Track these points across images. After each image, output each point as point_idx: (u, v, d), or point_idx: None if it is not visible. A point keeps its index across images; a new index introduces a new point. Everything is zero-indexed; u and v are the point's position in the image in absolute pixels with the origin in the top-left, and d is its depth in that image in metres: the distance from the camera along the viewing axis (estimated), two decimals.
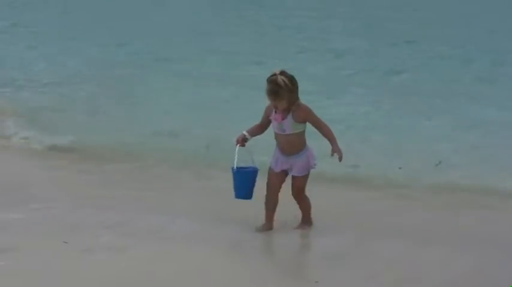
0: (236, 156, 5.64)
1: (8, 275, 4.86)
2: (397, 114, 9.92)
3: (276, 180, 5.78)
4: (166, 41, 15.38)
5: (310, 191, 5.86)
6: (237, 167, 5.66)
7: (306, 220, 5.91)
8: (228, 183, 5.81)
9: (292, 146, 5.68)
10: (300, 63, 12.06)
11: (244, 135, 5.76)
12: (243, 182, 5.68)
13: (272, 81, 5.51)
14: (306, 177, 5.77)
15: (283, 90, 5.47)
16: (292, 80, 5.54)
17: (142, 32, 16.53)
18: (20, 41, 15.58)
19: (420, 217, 6.39)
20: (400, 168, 7.46)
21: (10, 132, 9.08)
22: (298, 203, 5.88)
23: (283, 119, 5.60)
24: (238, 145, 5.70)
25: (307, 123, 5.68)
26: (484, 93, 11.09)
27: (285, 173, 5.79)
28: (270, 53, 13.68)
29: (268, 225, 5.83)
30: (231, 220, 5.59)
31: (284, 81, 5.47)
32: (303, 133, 5.69)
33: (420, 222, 6.25)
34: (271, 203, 5.82)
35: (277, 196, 5.81)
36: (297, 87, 5.59)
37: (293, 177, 5.78)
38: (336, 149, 5.62)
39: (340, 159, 5.62)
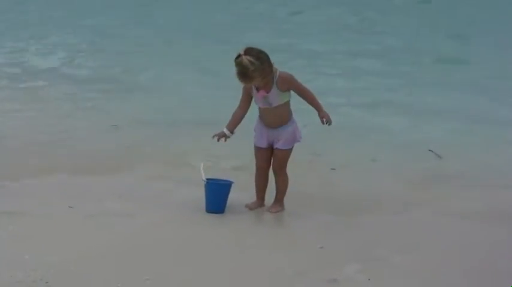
0: (202, 172, 5.48)
1: (14, 238, 4.88)
2: None
3: (263, 157, 5.62)
4: None
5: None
6: (209, 180, 5.50)
7: (279, 200, 5.69)
8: (226, 147, 5.71)
9: (279, 118, 5.48)
10: None
11: (225, 133, 5.52)
12: (216, 195, 5.51)
13: (238, 64, 5.19)
14: (289, 151, 5.58)
15: (251, 71, 5.17)
16: (259, 56, 5.22)
17: None
18: None
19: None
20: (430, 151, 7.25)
21: None
22: (276, 178, 5.65)
23: (268, 92, 5.36)
24: (203, 164, 5.55)
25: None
26: None
27: (271, 148, 5.60)
28: None
29: (258, 202, 5.72)
30: (236, 187, 5.57)
31: (250, 60, 5.15)
32: (288, 103, 5.48)
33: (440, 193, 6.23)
34: (261, 182, 5.70)
35: (267, 174, 5.68)
36: (268, 60, 5.26)
37: (277, 150, 5.57)
38: (323, 115, 5.44)
39: (330, 122, 5.45)
